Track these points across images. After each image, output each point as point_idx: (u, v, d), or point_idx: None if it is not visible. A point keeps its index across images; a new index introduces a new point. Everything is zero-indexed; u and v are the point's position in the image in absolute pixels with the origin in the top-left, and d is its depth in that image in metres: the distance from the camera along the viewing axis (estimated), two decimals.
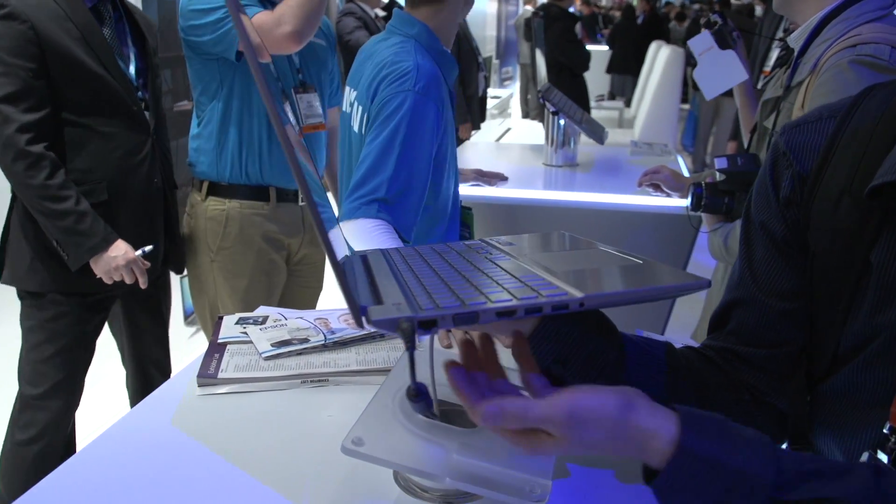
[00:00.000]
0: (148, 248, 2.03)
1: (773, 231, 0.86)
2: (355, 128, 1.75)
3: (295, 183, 2.18)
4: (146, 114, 2.09)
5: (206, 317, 2.34)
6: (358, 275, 0.88)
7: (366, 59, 1.77)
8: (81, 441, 2.24)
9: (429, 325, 0.67)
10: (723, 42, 2.12)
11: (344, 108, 1.86)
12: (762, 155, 1.80)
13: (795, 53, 1.72)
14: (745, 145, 1.98)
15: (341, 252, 0.97)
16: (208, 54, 2.09)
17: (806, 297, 0.84)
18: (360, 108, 1.71)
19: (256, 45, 1.96)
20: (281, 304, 2.41)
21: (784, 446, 0.90)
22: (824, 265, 0.81)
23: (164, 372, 2.38)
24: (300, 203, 2.27)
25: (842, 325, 0.79)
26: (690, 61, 3.19)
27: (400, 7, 1.84)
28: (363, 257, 1.00)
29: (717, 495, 0.62)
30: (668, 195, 2.40)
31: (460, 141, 4.87)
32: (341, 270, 0.65)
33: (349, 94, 1.81)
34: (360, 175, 1.59)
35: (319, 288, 2.56)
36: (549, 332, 0.80)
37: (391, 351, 1.22)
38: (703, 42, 2.21)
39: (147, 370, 2.36)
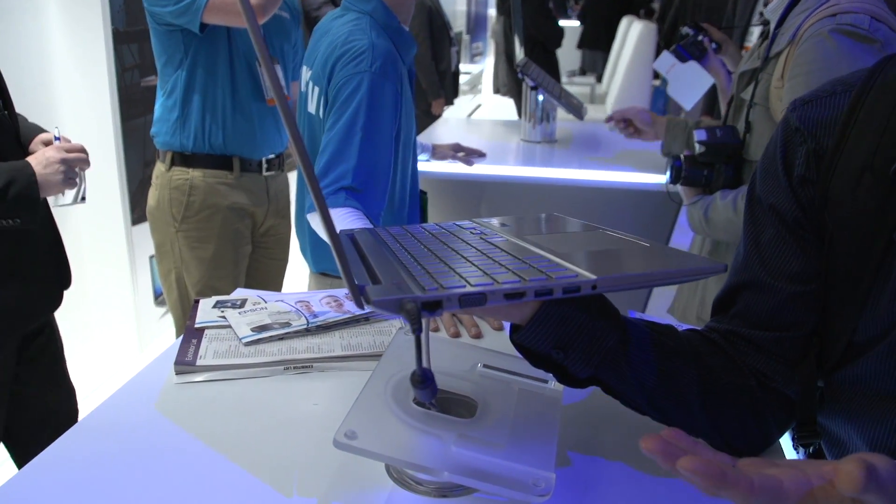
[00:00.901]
0: (56, 132, 1.75)
1: (783, 212, 0.82)
2: (311, 109, 1.70)
3: (258, 153, 2.24)
4: None
5: (173, 288, 2.33)
6: (349, 253, 0.83)
7: (321, 36, 1.71)
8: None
9: (433, 307, 0.63)
10: (694, 53, 2.23)
11: (301, 88, 1.81)
12: (740, 126, 1.81)
13: (773, 25, 1.73)
14: (723, 118, 1.98)
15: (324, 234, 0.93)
16: (171, 25, 2.06)
17: (817, 280, 0.81)
18: (317, 88, 1.66)
19: (256, 5, 1.93)
20: (248, 277, 2.43)
21: (790, 432, 0.88)
22: (843, 245, 0.78)
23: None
24: (264, 174, 2.28)
25: (861, 308, 0.76)
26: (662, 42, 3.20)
27: None
28: (351, 236, 0.95)
29: None
30: (640, 132, 2.41)
31: (434, 117, 4.81)
32: (340, 246, 0.60)
33: (305, 74, 1.76)
34: (324, 164, 1.55)
35: (286, 260, 2.57)
36: (550, 317, 0.76)
37: (377, 335, 1.18)
38: (665, 61, 2.39)
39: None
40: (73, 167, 1.64)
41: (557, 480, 0.85)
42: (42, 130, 1.80)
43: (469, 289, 0.64)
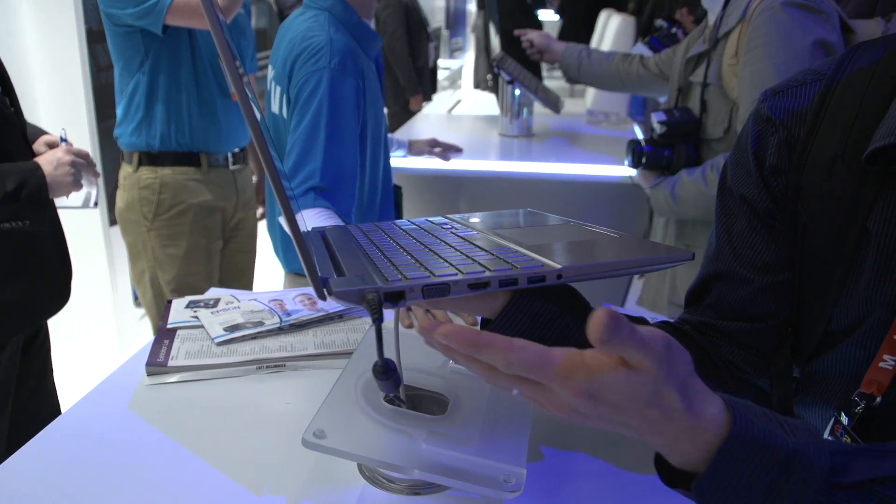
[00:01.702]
0: (62, 133, 1.79)
1: (755, 202, 0.82)
2: (274, 109, 1.70)
3: (224, 148, 2.26)
4: None
5: (147, 288, 2.33)
6: (317, 249, 0.82)
7: (283, 35, 1.71)
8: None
9: (396, 298, 0.62)
10: (667, 44, 2.28)
11: (267, 87, 1.80)
12: (693, 108, 1.90)
13: (718, 10, 1.84)
14: (673, 103, 2.03)
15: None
16: (130, 27, 2.04)
17: (789, 270, 0.81)
18: (279, 88, 1.66)
19: (223, 7, 1.93)
20: (220, 272, 2.45)
21: None
22: (817, 235, 0.77)
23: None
24: (231, 168, 2.30)
25: (836, 297, 0.75)
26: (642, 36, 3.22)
27: None
28: (322, 233, 0.95)
29: (770, 484, 0.54)
30: (540, 54, 2.60)
31: (411, 113, 4.80)
32: (301, 238, 0.60)
33: (270, 73, 1.75)
34: (291, 165, 1.54)
35: (254, 253, 2.59)
36: (520, 310, 0.76)
37: (350, 332, 1.17)
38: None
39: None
40: (81, 170, 1.63)
41: (530, 475, 0.85)
42: (43, 132, 1.79)
43: (432, 279, 0.64)
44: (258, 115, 0.64)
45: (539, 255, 0.71)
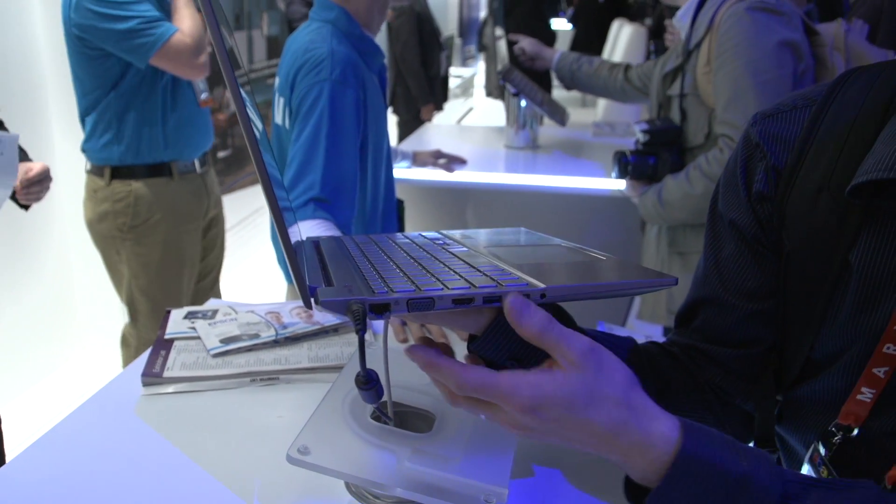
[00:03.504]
0: None
1: (743, 228, 0.82)
2: (277, 119, 1.71)
3: (192, 155, 2.32)
4: None
5: (124, 294, 2.40)
6: (309, 258, 0.83)
7: (289, 47, 1.73)
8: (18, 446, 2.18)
9: (381, 310, 0.63)
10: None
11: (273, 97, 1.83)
12: (673, 119, 1.99)
13: (686, 26, 1.95)
14: (654, 116, 2.13)
15: (294, 236, 0.94)
16: (109, 53, 2.07)
17: (775, 298, 0.81)
18: (282, 99, 1.67)
19: (194, 48, 2.05)
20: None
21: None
22: (800, 264, 0.77)
23: None
24: (198, 171, 2.36)
25: (818, 326, 0.75)
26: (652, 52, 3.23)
27: None
28: (315, 243, 0.96)
29: None
30: (532, 61, 2.68)
31: (423, 122, 4.82)
32: (291, 248, 0.61)
33: (276, 83, 1.77)
34: (291, 176, 1.56)
35: (222, 249, 2.67)
36: (505, 327, 0.76)
37: (344, 346, 1.18)
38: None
39: None
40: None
41: (519, 492, 0.85)
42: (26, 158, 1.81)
43: (418, 293, 0.64)
44: (259, 126, 0.65)
45: (525, 274, 0.72)
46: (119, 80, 2.13)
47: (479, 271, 0.74)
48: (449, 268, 0.76)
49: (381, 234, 1.02)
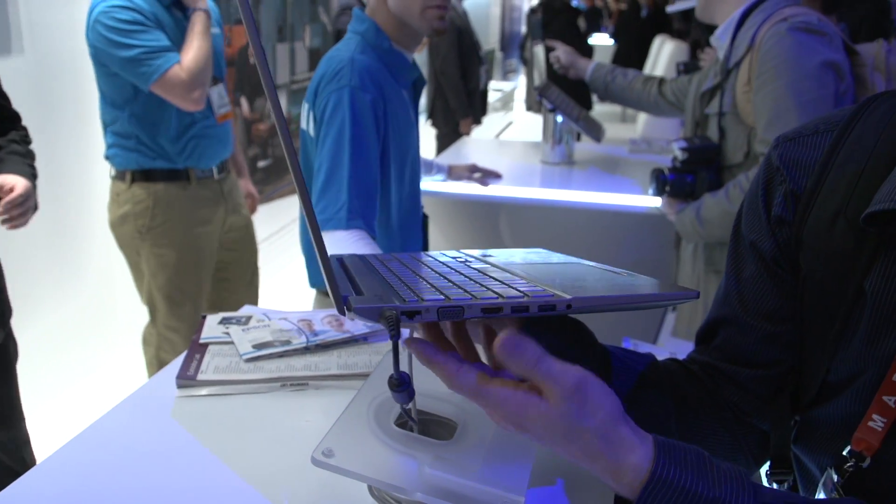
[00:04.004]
0: None
1: (763, 250, 0.82)
2: (303, 126, 1.75)
3: (210, 164, 2.45)
4: None
5: (145, 294, 2.53)
6: (338, 271, 0.86)
7: (322, 59, 1.77)
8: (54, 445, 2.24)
9: (412, 315, 0.65)
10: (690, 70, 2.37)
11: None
12: (711, 137, 1.99)
13: (726, 45, 1.94)
14: (690, 135, 2.11)
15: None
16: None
17: (794, 320, 0.81)
18: (308, 107, 1.71)
19: (196, 75, 2.19)
20: (222, 268, 2.64)
21: (766, 468, 0.89)
22: (815, 289, 0.77)
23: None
24: (216, 178, 2.47)
25: (833, 351, 0.75)
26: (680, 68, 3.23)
27: (361, 6, 1.82)
28: (339, 259, 0.99)
29: None
30: (566, 69, 2.71)
31: (460, 135, 4.85)
32: (326, 257, 0.64)
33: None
34: (321, 183, 1.59)
35: (254, 252, 2.76)
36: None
37: (373, 355, 1.21)
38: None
39: None
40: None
41: (535, 501, 0.87)
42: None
43: (447, 302, 0.66)
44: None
45: (552, 286, 0.74)
46: (136, 94, 2.23)
47: (506, 284, 0.76)
48: (474, 281, 0.78)
49: (405, 253, 1.04)
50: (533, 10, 6.61)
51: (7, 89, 1.90)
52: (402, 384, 0.67)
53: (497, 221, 2.67)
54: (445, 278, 0.81)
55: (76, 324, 2.85)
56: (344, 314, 0.66)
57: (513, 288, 0.73)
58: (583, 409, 0.60)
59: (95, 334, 2.97)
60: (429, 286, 0.75)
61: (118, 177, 2.37)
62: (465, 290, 0.72)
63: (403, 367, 0.88)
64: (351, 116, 1.58)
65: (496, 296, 0.69)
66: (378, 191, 1.63)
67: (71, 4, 2.68)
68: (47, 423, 2.51)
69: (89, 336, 2.94)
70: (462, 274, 0.84)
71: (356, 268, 0.90)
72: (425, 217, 1.94)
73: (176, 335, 2.51)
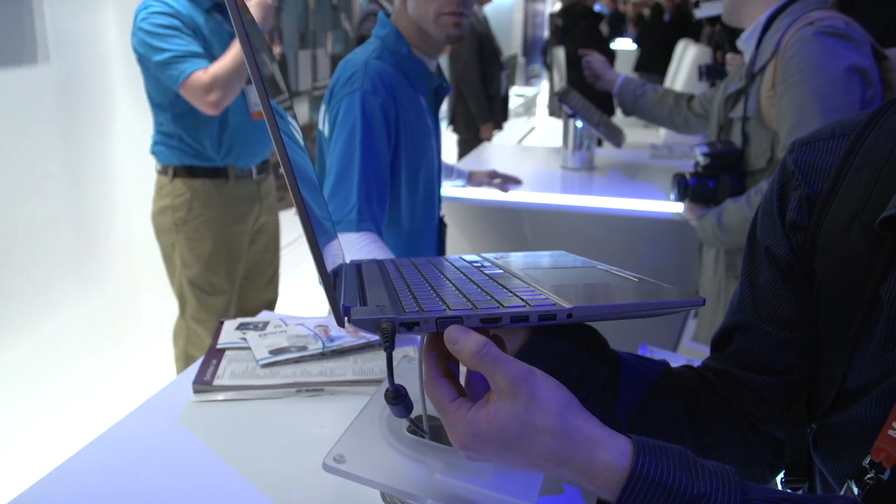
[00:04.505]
0: None
1: (778, 256, 0.81)
2: (320, 127, 1.76)
3: (249, 163, 2.54)
4: None
5: (176, 286, 2.60)
6: (349, 279, 0.86)
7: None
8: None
9: (411, 327, 0.66)
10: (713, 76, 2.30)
11: None
12: (734, 142, 1.96)
13: (753, 48, 1.91)
14: (714, 139, 2.09)
15: (337, 259, 0.97)
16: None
17: (810, 327, 0.80)
18: (324, 109, 1.72)
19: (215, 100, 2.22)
20: (246, 268, 2.71)
21: (781, 476, 0.88)
22: (830, 294, 0.76)
23: None
24: (255, 178, 2.56)
25: (849, 358, 0.74)
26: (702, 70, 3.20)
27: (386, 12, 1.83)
28: (357, 265, 0.99)
29: None
30: (595, 78, 2.65)
31: (480, 141, 4.85)
32: (325, 270, 0.64)
33: None
34: (331, 186, 1.60)
35: (277, 250, 2.85)
36: (539, 348, 0.78)
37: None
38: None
39: None
40: None
41: None
42: None
43: (447, 312, 0.67)
44: (300, 141, 0.68)
45: (555, 294, 0.74)
46: (177, 96, 2.28)
47: (511, 292, 0.76)
48: (482, 289, 0.78)
49: (422, 258, 1.05)
50: (555, 15, 6.59)
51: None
52: (398, 397, 0.68)
53: (518, 227, 2.67)
54: (454, 285, 0.81)
55: (98, 323, 2.88)
56: (342, 325, 0.66)
57: (517, 296, 0.73)
58: (532, 402, 0.59)
59: (118, 334, 3.00)
60: (434, 295, 0.75)
61: (162, 171, 2.46)
62: (469, 299, 0.72)
63: (406, 378, 0.89)
64: (362, 120, 1.59)
65: (497, 305, 0.69)
66: (388, 194, 1.64)
67: (96, 13, 2.71)
68: (69, 424, 2.54)
69: (113, 337, 2.97)
70: (472, 280, 0.84)
71: (370, 275, 0.90)
72: (443, 224, 1.94)
73: (203, 329, 2.56)
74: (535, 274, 0.88)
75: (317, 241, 0.64)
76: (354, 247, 1.51)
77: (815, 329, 0.80)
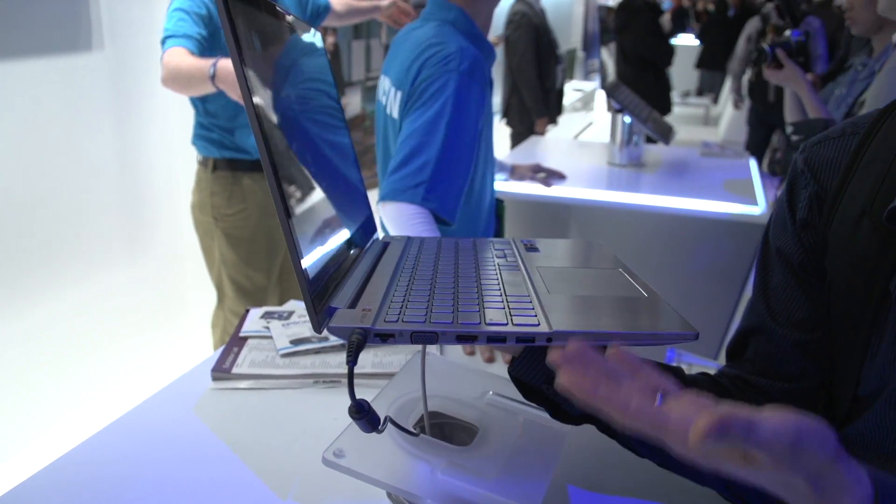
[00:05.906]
0: None
1: (790, 256, 0.80)
2: (393, 114, 1.72)
3: None
4: None
5: (215, 276, 2.61)
6: (360, 270, 0.85)
7: (400, 45, 1.74)
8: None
9: (386, 338, 0.67)
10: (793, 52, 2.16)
11: (378, 98, 1.85)
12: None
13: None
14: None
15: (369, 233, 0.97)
16: None
17: (823, 329, 0.78)
18: (399, 92, 1.68)
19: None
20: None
21: None
22: (841, 293, 0.75)
23: None
24: None
25: (861, 359, 0.72)
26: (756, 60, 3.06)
27: None
28: (384, 244, 0.99)
29: None
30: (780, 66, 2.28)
31: (534, 135, 4.81)
32: (302, 272, 0.65)
33: (383, 83, 1.79)
34: (404, 155, 1.55)
35: None
36: (539, 351, 0.77)
37: (409, 354, 1.20)
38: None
39: None
40: None
41: None
42: None
43: (424, 326, 0.67)
44: (338, 123, 0.67)
45: (546, 311, 0.71)
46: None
47: (504, 303, 0.74)
48: (479, 295, 0.76)
49: (452, 238, 1.03)
50: (609, 10, 6.49)
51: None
52: (360, 412, 0.67)
53: (560, 223, 2.63)
54: (454, 286, 0.80)
55: (141, 307, 2.94)
56: (319, 332, 0.67)
57: (505, 310, 0.72)
58: (796, 463, 0.49)
59: (163, 321, 3.06)
60: (424, 302, 0.74)
61: (202, 162, 2.47)
62: (456, 309, 0.71)
63: (435, 372, 0.88)
64: (454, 101, 1.55)
65: (479, 321, 0.68)
66: (467, 182, 1.61)
67: (150, 2, 2.75)
68: (110, 410, 2.59)
69: (157, 323, 3.02)
70: (478, 278, 0.82)
71: (387, 258, 0.90)
72: (500, 202, 1.92)
73: None
74: (549, 275, 0.85)
75: (296, 241, 0.64)
76: (404, 218, 1.49)
77: (829, 332, 0.78)
